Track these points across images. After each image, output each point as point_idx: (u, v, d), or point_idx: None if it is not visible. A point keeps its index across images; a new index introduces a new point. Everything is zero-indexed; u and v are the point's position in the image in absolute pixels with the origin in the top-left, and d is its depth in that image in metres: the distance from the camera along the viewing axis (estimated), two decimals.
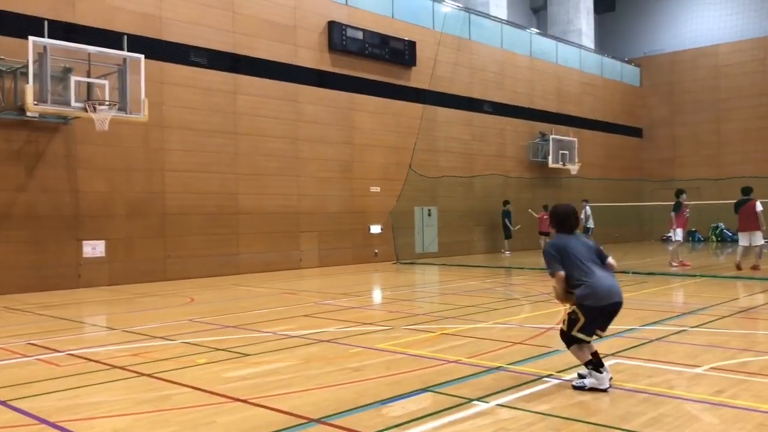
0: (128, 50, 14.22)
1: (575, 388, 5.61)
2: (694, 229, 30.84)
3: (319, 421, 4.86)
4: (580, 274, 5.67)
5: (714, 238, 31.34)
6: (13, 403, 5.47)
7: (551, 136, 27.61)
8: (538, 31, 30.63)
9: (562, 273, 5.68)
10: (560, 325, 5.91)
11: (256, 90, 18.56)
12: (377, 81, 21.78)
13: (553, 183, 28.57)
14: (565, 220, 6.01)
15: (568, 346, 5.81)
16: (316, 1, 20.16)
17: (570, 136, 28.81)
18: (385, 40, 21.76)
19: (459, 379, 6.03)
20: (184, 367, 6.71)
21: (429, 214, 23.70)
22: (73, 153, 15.07)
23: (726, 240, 30.37)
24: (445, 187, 23.99)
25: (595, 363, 5.63)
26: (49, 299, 13.06)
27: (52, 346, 7.96)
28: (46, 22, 13.58)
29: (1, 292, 13.72)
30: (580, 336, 5.67)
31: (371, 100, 21.62)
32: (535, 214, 25.68)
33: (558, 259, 5.73)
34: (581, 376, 5.73)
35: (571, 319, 5.69)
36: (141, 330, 9.10)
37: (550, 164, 27.46)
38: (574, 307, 5.70)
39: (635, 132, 34.50)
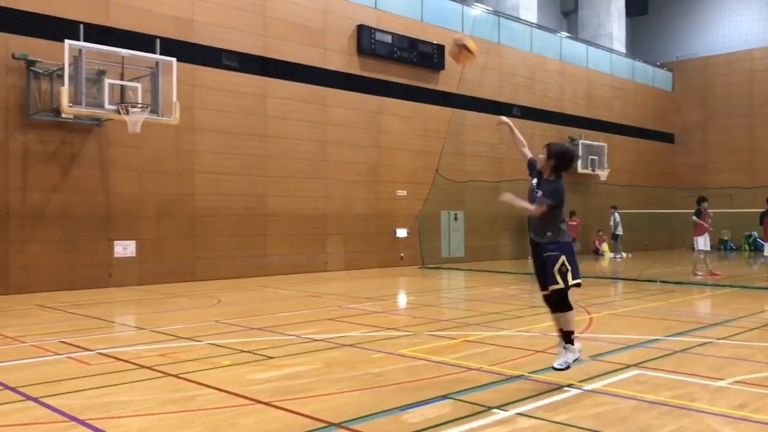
0: (161, 53, 14.51)
1: (557, 369, 5.99)
2: (726, 238, 30.36)
3: (338, 425, 4.93)
4: (561, 216, 6.08)
5: (747, 247, 30.78)
6: (45, 400, 5.63)
7: (581, 141, 27.42)
8: (568, 34, 30.43)
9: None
10: (556, 286, 6.00)
11: (286, 93, 18.75)
12: (405, 84, 21.85)
13: (581, 189, 28.33)
14: (571, 160, 6.27)
15: (570, 308, 6.08)
16: (346, 5, 20.30)
17: (600, 141, 28.58)
18: (413, 43, 21.82)
19: (480, 386, 6.05)
20: (209, 369, 6.84)
21: (455, 219, 23.69)
22: (106, 154, 15.39)
23: (760, 249, 29.78)
24: (472, 191, 23.95)
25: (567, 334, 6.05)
26: (81, 298, 13.36)
27: (83, 345, 8.16)
28: (81, 26, 13.88)
29: (34, 289, 14.07)
30: (577, 281, 6.04)
31: (399, 103, 21.70)
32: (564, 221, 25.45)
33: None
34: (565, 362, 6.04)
35: (564, 272, 5.96)
36: (168, 330, 9.27)
37: (579, 170, 27.24)
38: (562, 256, 5.95)
39: (667, 137, 34.07)
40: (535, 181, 6.26)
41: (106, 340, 8.77)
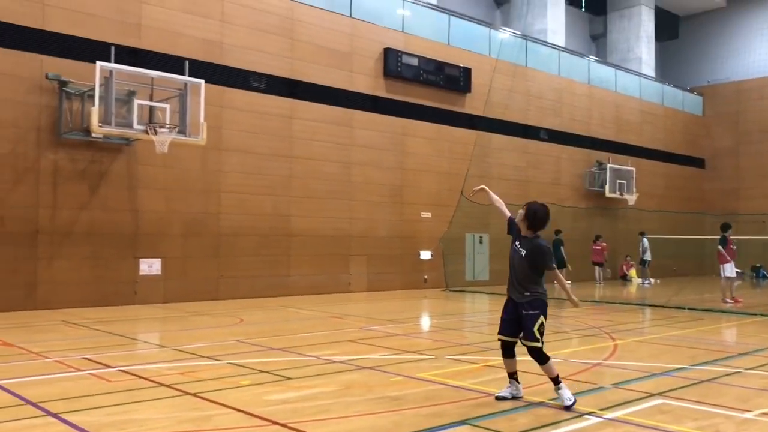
0: (189, 74, 14.75)
1: (567, 408, 5.99)
2: (759, 265, 29.73)
3: None
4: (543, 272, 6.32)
5: None
6: (65, 416, 5.68)
7: (609, 165, 27.17)
8: (596, 58, 30.33)
9: None
10: (535, 344, 6.17)
11: (312, 115, 18.91)
12: (431, 107, 21.92)
13: (609, 213, 28.04)
14: (543, 219, 6.37)
15: (547, 359, 6.20)
16: (373, 28, 20.49)
17: (628, 165, 28.30)
18: (440, 66, 21.91)
19: (499, 412, 5.97)
20: (227, 388, 6.84)
21: (480, 242, 23.55)
22: (134, 173, 15.63)
23: None
24: (497, 214, 23.60)
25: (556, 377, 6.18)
26: (106, 314, 13.50)
27: (105, 362, 8.22)
28: (113, 48, 14.18)
29: (61, 305, 14.26)
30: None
31: (425, 125, 21.75)
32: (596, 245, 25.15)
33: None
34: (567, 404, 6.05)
35: (542, 332, 6.22)
36: (190, 349, 9.31)
37: (607, 194, 26.98)
38: (542, 315, 6.20)
39: (697, 162, 33.64)
40: (517, 242, 6.48)
41: (127, 357, 8.83)
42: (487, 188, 7.07)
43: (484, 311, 16.02)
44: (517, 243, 6.42)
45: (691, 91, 33.93)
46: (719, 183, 33.23)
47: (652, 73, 32.20)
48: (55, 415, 5.72)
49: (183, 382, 7.11)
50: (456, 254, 22.46)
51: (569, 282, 23.51)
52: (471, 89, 22.76)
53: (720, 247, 17.07)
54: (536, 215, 6.34)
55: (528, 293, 6.24)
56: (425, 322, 13.73)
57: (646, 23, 31.96)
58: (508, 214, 6.76)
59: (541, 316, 6.20)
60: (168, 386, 6.89)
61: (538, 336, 6.16)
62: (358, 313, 14.36)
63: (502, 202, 6.93)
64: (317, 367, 8.02)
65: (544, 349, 6.24)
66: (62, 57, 14.57)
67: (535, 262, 6.23)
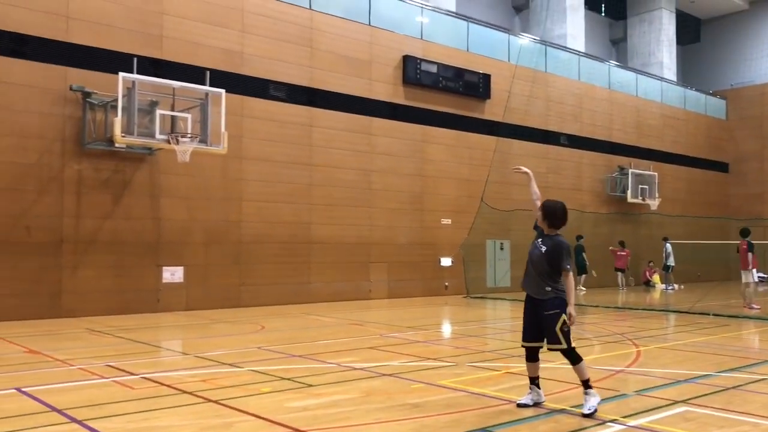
0: (210, 85, 14.90)
1: (585, 416, 5.89)
2: None
3: None
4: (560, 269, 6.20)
5: None
6: (89, 423, 5.74)
7: (630, 170, 26.96)
8: (617, 63, 30.14)
9: None
10: (559, 346, 6.10)
11: (331, 123, 19.00)
12: (450, 114, 21.91)
13: (631, 218, 27.79)
14: (557, 215, 6.29)
15: (579, 360, 6.11)
16: (392, 36, 20.56)
17: (650, 170, 28.04)
18: (459, 73, 21.91)
19: (519, 420, 5.93)
20: (249, 395, 6.87)
21: (501, 248, 23.45)
22: (157, 182, 15.80)
23: None
24: (518, 220, 23.68)
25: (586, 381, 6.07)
26: (129, 322, 13.64)
27: (128, 369, 8.31)
28: (135, 59, 14.38)
29: (85, 313, 14.43)
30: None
31: (444, 132, 21.74)
32: (617, 251, 24.95)
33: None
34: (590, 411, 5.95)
35: (566, 331, 6.08)
36: (212, 356, 9.37)
37: (629, 199, 26.76)
38: (563, 314, 6.09)
39: (721, 167, 33.24)
40: (539, 239, 6.41)
41: (150, 364, 8.91)
42: (531, 176, 6.85)
43: (506, 318, 15.94)
44: (539, 239, 6.37)
45: (714, 94, 33.57)
46: (744, 188, 32.79)
47: (674, 77, 31.92)
48: (79, 422, 5.79)
49: (205, 389, 7.16)
50: (477, 261, 22.38)
51: (584, 289, 23.42)
52: (490, 95, 22.73)
53: (751, 253, 16.74)
54: (554, 213, 6.30)
55: (548, 288, 6.17)
56: (446, 329, 13.69)
57: (667, 27, 31.70)
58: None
59: (562, 315, 6.09)
60: (190, 393, 6.94)
61: (562, 337, 6.08)
62: (379, 320, 14.36)
63: (539, 196, 6.73)
64: (338, 374, 8.03)
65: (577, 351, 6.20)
66: (86, 68, 14.81)
67: (552, 261, 6.17)
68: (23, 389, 7.08)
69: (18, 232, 13.94)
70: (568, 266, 6.13)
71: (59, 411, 6.16)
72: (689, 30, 34.47)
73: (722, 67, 34.07)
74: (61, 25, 14.64)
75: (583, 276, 24.28)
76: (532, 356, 6.38)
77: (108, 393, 7.04)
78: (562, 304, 6.14)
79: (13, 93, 14.06)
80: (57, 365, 8.68)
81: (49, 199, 14.35)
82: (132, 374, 7.98)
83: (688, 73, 34.84)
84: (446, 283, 21.49)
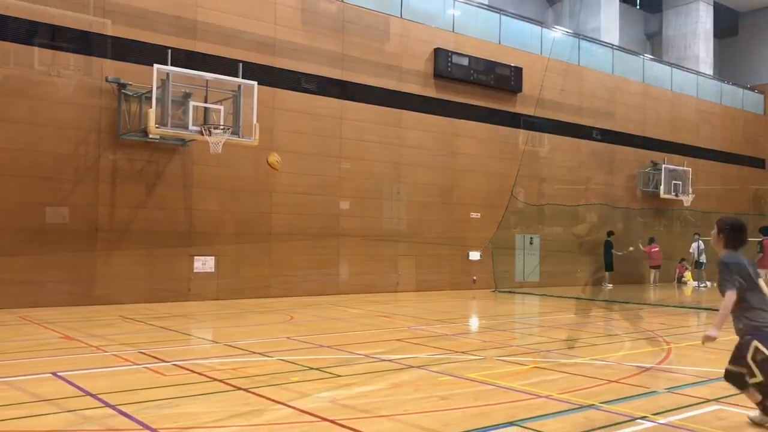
0: (243, 77, 15.02)
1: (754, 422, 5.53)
2: None
3: None
4: (761, 303, 5.37)
5: None
6: (122, 408, 5.87)
7: (664, 166, 26.55)
8: (651, 57, 29.66)
9: (734, 295, 5.35)
10: (754, 380, 5.38)
11: (362, 115, 19.03)
12: (481, 107, 21.79)
13: (664, 214, 27.39)
14: (739, 232, 5.55)
15: (745, 388, 5.49)
16: (424, 29, 20.49)
17: (684, 165, 27.59)
18: (490, 66, 21.76)
19: (548, 415, 5.91)
20: (278, 384, 6.95)
21: (531, 243, 23.30)
22: (189, 173, 16.00)
23: None
24: (548, 214, 23.53)
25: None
26: (161, 310, 13.86)
27: (160, 356, 8.45)
28: (169, 51, 14.56)
29: (118, 301, 14.70)
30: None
31: (475, 125, 21.64)
32: (642, 248, 24.64)
33: (735, 278, 5.32)
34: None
35: (758, 359, 5.28)
36: (242, 345, 9.49)
37: (662, 194, 26.36)
38: (754, 341, 5.30)
39: (757, 163, 32.55)
40: None
41: (182, 352, 9.06)
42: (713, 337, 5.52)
43: (534, 313, 15.85)
44: None
45: (752, 89, 32.86)
46: None
47: (710, 72, 31.30)
48: (113, 407, 5.91)
49: (235, 377, 7.25)
50: (506, 255, 22.27)
51: (611, 285, 23.12)
52: (522, 89, 22.54)
53: None
54: (737, 228, 5.60)
55: (740, 323, 5.50)
56: (474, 323, 13.67)
57: (704, 20, 31.08)
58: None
59: (755, 341, 5.34)
60: (220, 381, 7.04)
61: (756, 370, 5.32)
62: (407, 313, 14.39)
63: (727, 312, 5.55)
64: (365, 365, 8.08)
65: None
66: (121, 60, 15.04)
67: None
68: (59, 373, 7.26)
69: (55, 221, 14.23)
70: (724, 289, 5.41)
71: (93, 395, 6.30)
72: (727, 23, 33.73)
73: (760, 61, 33.32)
74: (99, 18, 14.88)
75: (610, 273, 23.99)
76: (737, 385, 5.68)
77: (140, 379, 7.18)
78: (752, 330, 5.42)
79: (51, 84, 14.34)
80: (91, 351, 8.87)
81: (85, 189, 14.63)
82: (163, 361, 8.12)
83: (725, 67, 34.14)
84: (474, 277, 21.43)
